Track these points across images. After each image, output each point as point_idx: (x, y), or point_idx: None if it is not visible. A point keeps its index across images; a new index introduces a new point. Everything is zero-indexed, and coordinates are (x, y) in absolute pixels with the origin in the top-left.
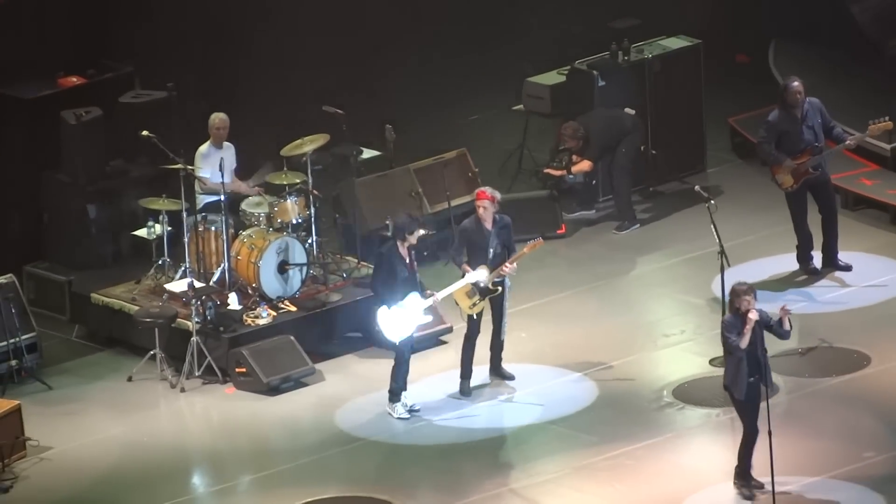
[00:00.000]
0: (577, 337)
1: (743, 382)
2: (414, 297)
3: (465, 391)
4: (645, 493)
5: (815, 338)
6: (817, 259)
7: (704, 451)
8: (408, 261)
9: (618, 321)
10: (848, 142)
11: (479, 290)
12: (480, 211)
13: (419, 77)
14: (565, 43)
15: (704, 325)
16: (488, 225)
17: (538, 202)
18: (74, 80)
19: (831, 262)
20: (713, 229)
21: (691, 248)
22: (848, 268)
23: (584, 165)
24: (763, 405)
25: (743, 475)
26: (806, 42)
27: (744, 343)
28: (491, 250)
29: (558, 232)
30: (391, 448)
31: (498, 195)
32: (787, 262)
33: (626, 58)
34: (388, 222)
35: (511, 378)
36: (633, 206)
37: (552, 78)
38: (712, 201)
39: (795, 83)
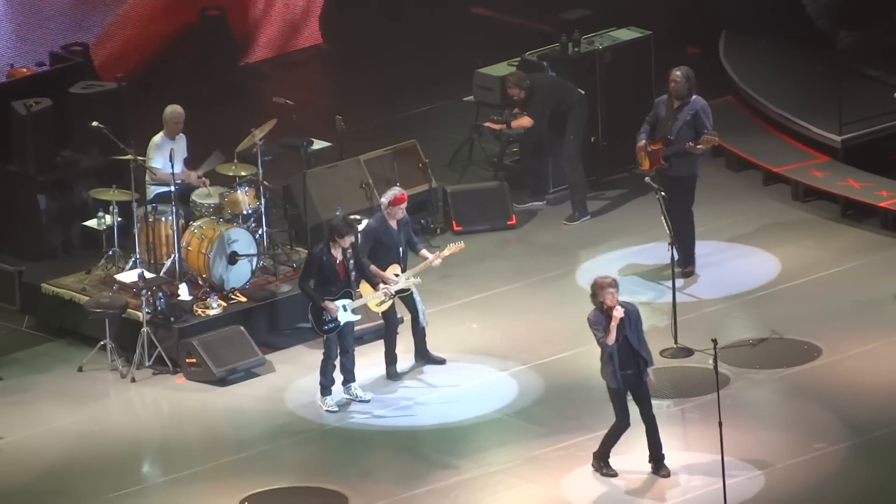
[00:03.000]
0: (528, 328)
1: (616, 374)
2: (344, 297)
3: (393, 375)
4: (595, 484)
5: (766, 329)
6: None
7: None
8: (339, 260)
9: (568, 312)
10: (686, 144)
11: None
12: (399, 214)
13: (369, 68)
14: (515, 34)
15: (654, 317)
16: (394, 224)
17: (489, 193)
18: (24, 70)
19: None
20: (663, 220)
21: (642, 239)
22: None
23: (524, 121)
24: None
25: (602, 458)
26: (757, 33)
27: (611, 340)
28: (401, 248)
29: (508, 223)
30: (341, 439)
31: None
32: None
33: (576, 49)
34: (337, 213)
35: (441, 362)
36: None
37: (502, 69)
38: (662, 192)
39: (676, 71)
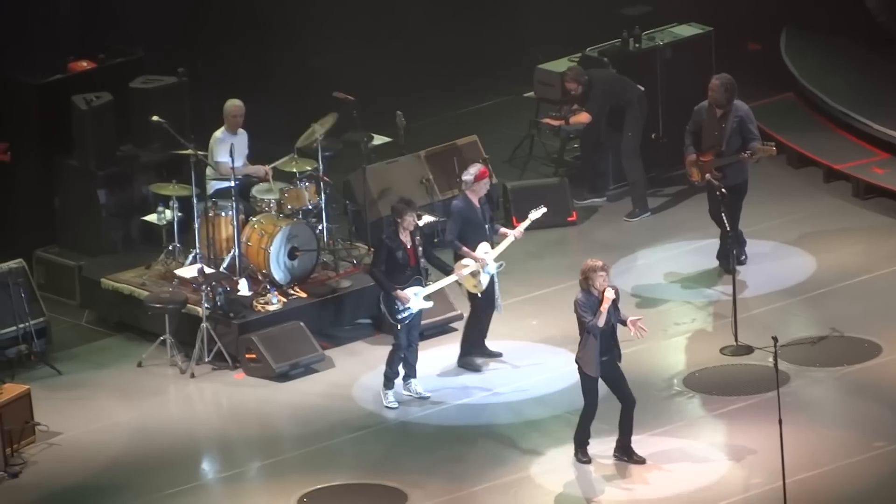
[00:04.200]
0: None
1: (596, 361)
2: (414, 284)
3: (475, 367)
4: (654, 482)
5: (827, 327)
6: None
7: (714, 441)
8: (409, 246)
9: (628, 309)
10: (742, 154)
11: (481, 269)
12: (483, 190)
13: (430, 63)
14: (577, 30)
15: (715, 314)
16: (477, 202)
17: (549, 189)
18: (85, 64)
19: (722, 266)
20: (724, 217)
21: (702, 235)
22: (731, 271)
23: (583, 117)
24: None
25: (581, 444)
26: (818, 29)
27: (601, 322)
28: (487, 226)
29: (569, 219)
30: (401, 435)
31: None
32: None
33: (637, 45)
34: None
35: (498, 355)
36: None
37: (563, 65)
38: (723, 189)
39: (714, 80)
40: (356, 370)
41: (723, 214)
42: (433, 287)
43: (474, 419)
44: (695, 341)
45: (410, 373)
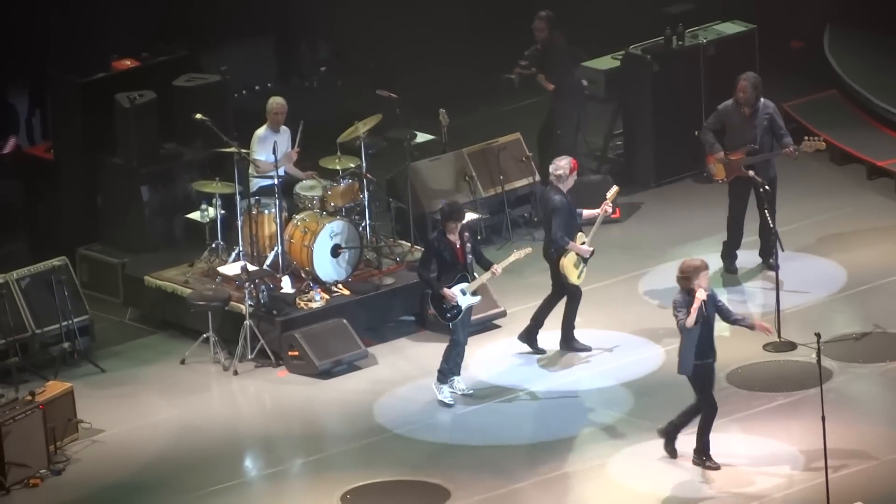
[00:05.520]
0: (631, 322)
1: (688, 362)
2: (461, 282)
3: (582, 347)
4: (700, 478)
5: (870, 323)
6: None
7: (758, 437)
8: (458, 246)
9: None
10: (783, 150)
11: (583, 260)
12: (572, 181)
13: (473, 61)
14: (620, 27)
15: (759, 310)
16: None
17: (592, 186)
18: (128, 63)
19: (765, 261)
20: (766, 214)
21: (746, 231)
22: (773, 267)
23: (547, 85)
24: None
25: (703, 451)
26: (861, 27)
27: (690, 322)
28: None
29: (613, 216)
30: (443, 432)
31: None
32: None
33: (680, 43)
34: (441, 206)
35: (588, 349)
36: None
37: (607, 63)
38: (766, 186)
39: (742, 81)
40: (399, 367)
41: (765, 211)
42: (477, 282)
43: (517, 416)
44: (738, 338)
45: (457, 371)
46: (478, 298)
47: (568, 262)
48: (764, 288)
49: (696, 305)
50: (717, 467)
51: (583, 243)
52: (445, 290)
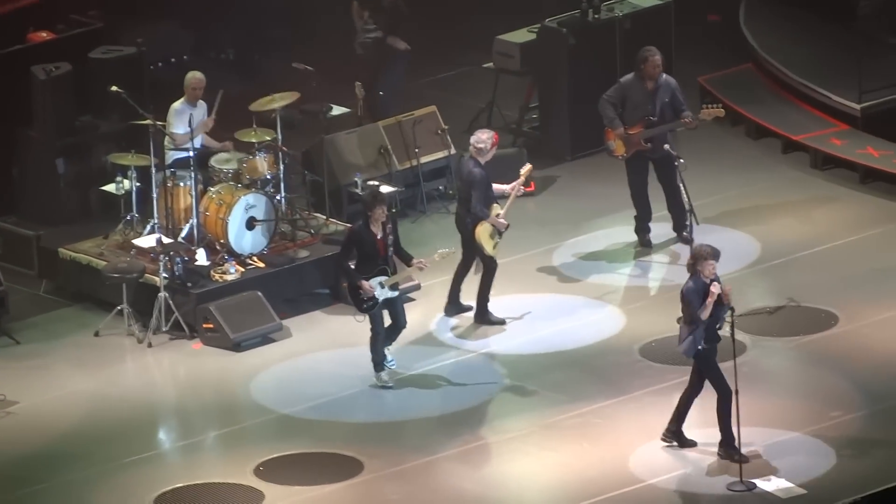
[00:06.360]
0: (545, 296)
1: (692, 348)
2: (380, 274)
3: (496, 320)
4: (612, 451)
5: (784, 297)
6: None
7: (672, 410)
8: (379, 237)
9: (586, 279)
10: (682, 120)
11: (499, 232)
12: (490, 155)
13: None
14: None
15: (671, 284)
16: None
17: (507, 160)
18: (44, 35)
19: (678, 234)
20: (682, 188)
21: (660, 206)
22: (688, 240)
23: (399, 43)
24: (724, 366)
25: (730, 442)
26: (777, 1)
27: (705, 315)
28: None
29: (527, 189)
30: (357, 404)
31: None
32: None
33: (596, 16)
34: (356, 179)
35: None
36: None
37: (522, 36)
38: (681, 160)
39: (657, 57)
40: (314, 340)
41: (682, 184)
42: (396, 277)
43: (433, 388)
44: (652, 311)
45: (386, 354)
46: (396, 293)
47: (483, 232)
48: (677, 262)
49: (711, 300)
50: (745, 461)
51: (497, 215)
52: (363, 281)
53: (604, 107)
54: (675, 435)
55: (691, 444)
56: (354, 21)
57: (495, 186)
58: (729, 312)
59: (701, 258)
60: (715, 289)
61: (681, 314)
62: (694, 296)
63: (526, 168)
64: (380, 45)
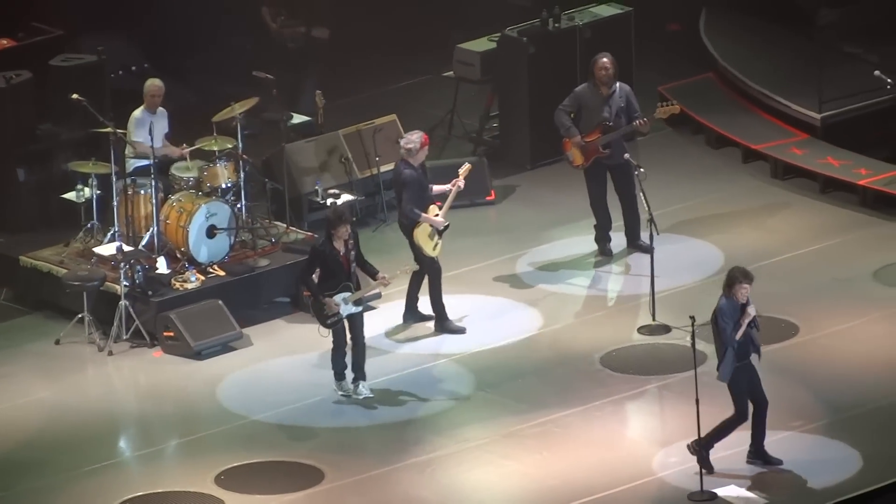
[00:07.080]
0: (506, 304)
1: (729, 369)
2: (343, 290)
3: (457, 329)
4: (573, 460)
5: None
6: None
7: (632, 419)
8: (342, 253)
9: (547, 288)
10: (634, 123)
11: (437, 232)
12: (423, 156)
13: (350, 43)
14: (496, 9)
15: (631, 293)
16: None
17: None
18: (4, 42)
19: (633, 244)
20: (642, 197)
21: (620, 214)
22: (648, 249)
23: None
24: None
25: (706, 446)
26: (738, 10)
27: (738, 335)
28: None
29: (487, 198)
30: (318, 414)
31: None
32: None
33: (556, 25)
34: (317, 187)
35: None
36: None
37: (483, 45)
38: (641, 169)
39: (604, 59)
40: (274, 348)
41: (641, 194)
42: (361, 292)
43: (393, 398)
44: (613, 320)
45: (359, 374)
46: (359, 308)
47: (421, 234)
48: (638, 272)
49: (745, 320)
50: (779, 462)
51: (436, 215)
52: (327, 298)
53: (559, 117)
54: (757, 454)
55: (777, 462)
56: (267, 24)
57: (436, 188)
58: (690, 322)
59: (735, 282)
60: (752, 311)
61: (643, 324)
62: (724, 316)
63: (465, 167)
64: (307, 37)
